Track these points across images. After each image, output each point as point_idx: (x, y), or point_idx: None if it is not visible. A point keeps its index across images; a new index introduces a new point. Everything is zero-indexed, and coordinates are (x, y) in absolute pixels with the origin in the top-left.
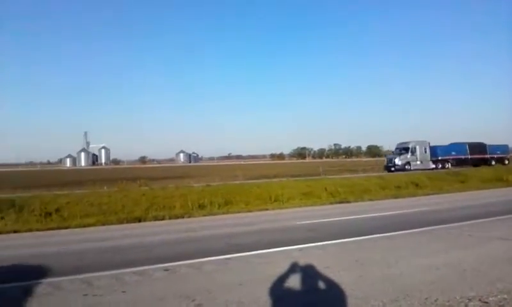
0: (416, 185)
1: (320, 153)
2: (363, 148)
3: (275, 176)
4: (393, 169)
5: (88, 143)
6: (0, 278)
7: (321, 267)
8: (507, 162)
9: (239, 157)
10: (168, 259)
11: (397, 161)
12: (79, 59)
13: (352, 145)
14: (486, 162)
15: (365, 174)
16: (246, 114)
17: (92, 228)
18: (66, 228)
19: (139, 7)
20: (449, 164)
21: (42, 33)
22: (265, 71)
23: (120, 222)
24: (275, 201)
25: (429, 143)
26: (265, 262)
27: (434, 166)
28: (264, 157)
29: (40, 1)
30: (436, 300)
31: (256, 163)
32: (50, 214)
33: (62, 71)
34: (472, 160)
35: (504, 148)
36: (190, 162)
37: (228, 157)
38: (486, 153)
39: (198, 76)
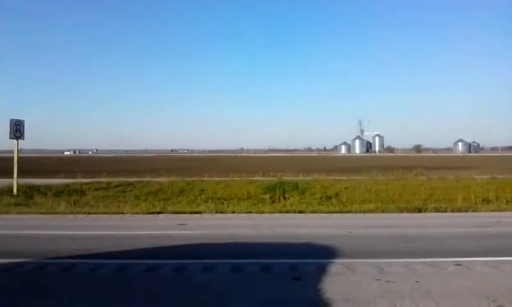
0: None
1: None
2: None
3: None
4: None
5: (362, 131)
6: (296, 253)
7: None
8: None
9: None
10: (458, 253)
11: None
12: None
13: None
14: None
15: None
16: None
17: (372, 215)
18: (347, 212)
19: None
20: None
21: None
22: None
23: (400, 210)
24: None
25: None
26: None
27: None
28: None
29: None
30: None
31: None
32: (329, 198)
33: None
34: None
35: None
36: (470, 152)
37: None
38: None
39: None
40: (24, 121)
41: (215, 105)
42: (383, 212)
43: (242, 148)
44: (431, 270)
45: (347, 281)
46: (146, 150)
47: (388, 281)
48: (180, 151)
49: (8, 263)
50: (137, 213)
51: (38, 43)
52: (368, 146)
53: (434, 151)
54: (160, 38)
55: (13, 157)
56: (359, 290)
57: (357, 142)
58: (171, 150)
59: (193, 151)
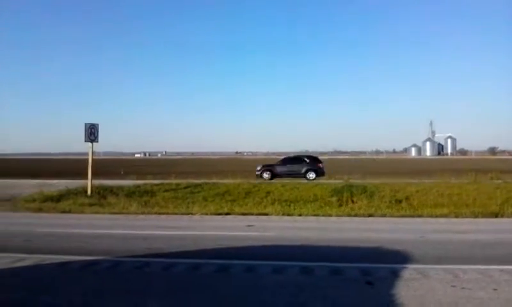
0: None
1: None
2: None
3: None
4: None
5: (433, 132)
6: (367, 258)
7: None
8: None
9: None
10: None
11: None
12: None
13: None
14: None
15: None
16: None
17: (445, 219)
18: (418, 216)
19: None
20: None
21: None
22: None
23: (475, 215)
24: None
25: None
26: None
27: None
28: None
29: None
30: None
31: None
32: (400, 201)
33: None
34: None
35: None
36: None
37: None
38: None
39: None
40: (98, 124)
41: (277, 107)
42: (456, 216)
43: (306, 150)
44: (510, 278)
45: (421, 287)
46: (211, 152)
47: (463, 288)
48: (245, 154)
49: (85, 260)
50: (206, 214)
51: (113, 49)
52: (440, 149)
53: (510, 153)
54: (226, 40)
55: (87, 159)
56: (433, 297)
57: (428, 144)
58: (236, 152)
59: (257, 153)
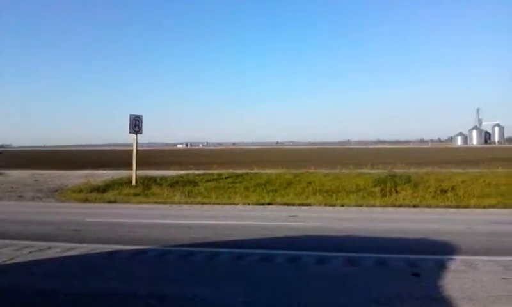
0: None
1: None
2: None
3: None
4: None
5: (480, 121)
6: (413, 249)
7: None
8: None
9: None
10: None
11: None
12: None
13: None
14: None
15: None
16: None
17: (493, 210)
18: (465, 207)
19: None
20: None
21: None
22: None
23: None
24: None
25: None
26: None
27: None
28: None
29: None
30: None
31: None
32: (445, 192)
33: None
34: None
35: None
36: None
37: None
38: None
39: None
40: (142, 116)
41: (317, 97)
42: (504, 207)
43: (348, 140)
44: None
45: (469, 278)
46: (252, 143)
47: None
48: (286, 144)
49: (133, 249)
50: (248, 204)
51: (154, 44)
52: (487, 137)
53: None
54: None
55: (131, 150)
56: (482, 289)
57: (474, 132)
58: (277, 142)
59: (298, 143)
